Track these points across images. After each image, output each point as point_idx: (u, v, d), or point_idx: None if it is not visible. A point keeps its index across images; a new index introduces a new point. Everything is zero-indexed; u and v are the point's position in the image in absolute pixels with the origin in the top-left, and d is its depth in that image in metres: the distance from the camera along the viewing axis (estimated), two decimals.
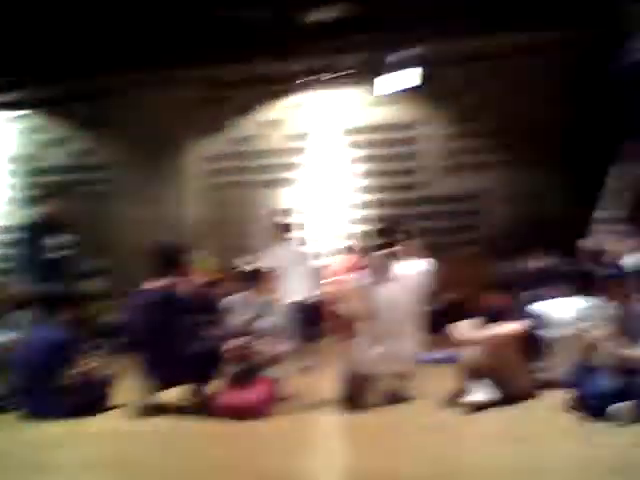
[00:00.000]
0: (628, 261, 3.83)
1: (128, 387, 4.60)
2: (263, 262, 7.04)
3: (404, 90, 8.41)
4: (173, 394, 4.58)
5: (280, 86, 9.13)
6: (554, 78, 8.45)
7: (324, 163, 9.15)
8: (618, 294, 3.89)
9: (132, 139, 9.03)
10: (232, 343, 4.49)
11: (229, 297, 4.89)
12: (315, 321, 7.00)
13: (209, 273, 4.98)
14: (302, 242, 7.70)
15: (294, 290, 6.78)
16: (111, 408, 4.62)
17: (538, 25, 7.47)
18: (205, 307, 5.08)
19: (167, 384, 4.52)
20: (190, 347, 4.59)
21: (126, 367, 4.68)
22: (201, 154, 9.31)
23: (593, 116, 7.61)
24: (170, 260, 4.74)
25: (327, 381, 4.82)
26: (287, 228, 7.25)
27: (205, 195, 9.29)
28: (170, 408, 4.51)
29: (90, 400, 4.50)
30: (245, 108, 9.24)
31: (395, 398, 4.48)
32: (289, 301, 6.80)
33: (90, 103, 9.10)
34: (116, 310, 7.91)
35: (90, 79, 8.48)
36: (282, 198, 9.21)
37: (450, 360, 5.02)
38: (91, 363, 4.64)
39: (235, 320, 4.65)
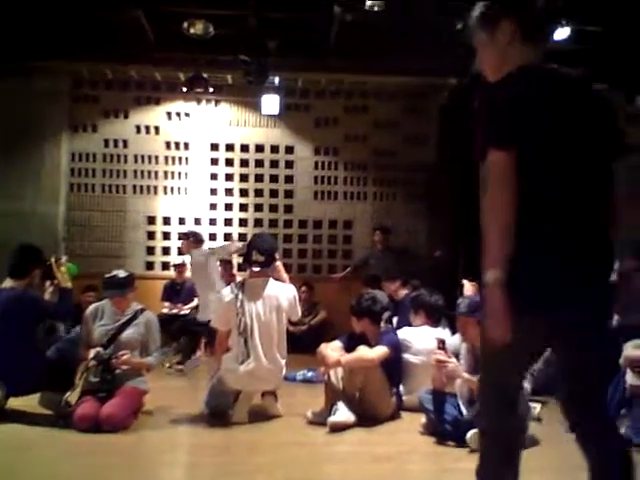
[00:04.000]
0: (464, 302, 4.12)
1: None
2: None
3: (284, 114, 8.62)
4: (30, 401, 4.30)
5: (157, 93, 9.00)
6: (422, 120, 9.08)
7: (202, 176, 9.07)
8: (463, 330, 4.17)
9: None
10: (92, 352, 4.29)
11: (95, 304, 4.69)
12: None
13: (71, 277, 4.74)
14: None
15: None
16: None
17: (407, 70, 8.00)
18: (63, 313, 4.84)
19: (18, 390, 4.24)
20: (43, 353, 4.37)
21: None
22: (69, 152, 8.87)
23: (457, 158, 8.20)
24: (27, 261, 4.51)
25: (196, 396, 4.74)
26: (203, 239, 7.24)
27: (71, 194, 8.85)
28: (25, 416, 4.24)
29: None
30: (119, 110, 8.96)
31: (261, 416, 4.48)
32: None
33: None
34: None
35: None
36: (156, 206, 8.99)
37: (318, 380, 5.14)
38: None
39: (99, 328, 4.44)
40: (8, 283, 4.42)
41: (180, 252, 8.08)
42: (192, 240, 6.97)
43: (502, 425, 2.16)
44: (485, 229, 2.00)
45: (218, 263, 8.45)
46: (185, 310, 7.63)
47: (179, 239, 8.35)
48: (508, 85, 2.12)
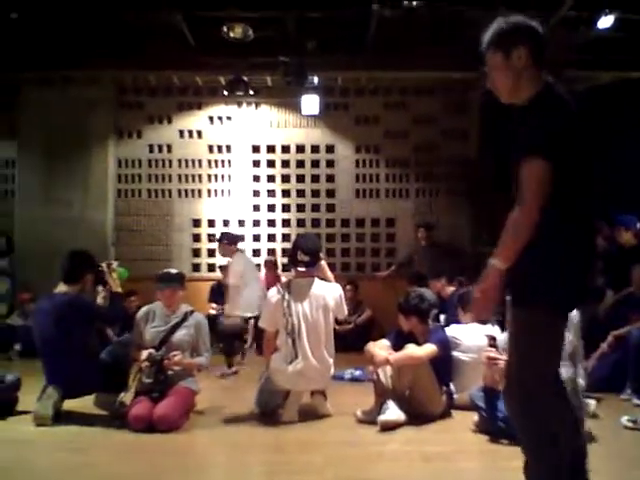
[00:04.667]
0: None
1: (37, 392, 4.36)
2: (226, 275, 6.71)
3: (324, 113, 8.63)
4: (85, 402, 4.41)
5: (199, 98, 9.12)
6: (462, 115, 8.99)
7: (245, 178, 9.15)
8: None
9: (39, 137, 8.61)
10: (145, 353, 4.36)
11: (146, 306, 4.76)
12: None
13: (121, 282, 4.85)
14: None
15: (248, 303, 6.45)
16: (19, 413, 4.43)
17: (446, 64, 7.93)
18: (115, 317, 4.95)
19: (73, 392, 4.36)
20: (97, 355, 4.47)
21: (35, 371, 4.51)
22: (115, 158, 9.04)
23: (495, 152, 8.11)
24: (80, 266, 4.62)
25: (246, 395, 4.78)
26: (238, 238, 7.05)
27: (118, 200, 9.03)
28: (80, 417, 4.35)
29: None
30: (163, 115, 9.09)
31: (311, 415, 4.50)
32: (242, 315, 6.46)
33: None
34: (20, 313, 7.58)
35: None
36: (201, 209, 9.10)
37: (366, 378, 5.13)
38: None
39: (150, 330, 4.52)
40: (62, 288, 4.53)
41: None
42: (226, 242, 6.79)
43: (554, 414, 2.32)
44: (513, 231, 2.24)
45: (263, 264, 8.54)
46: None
47: (209, 241, 8.68)
48: (544, 103, 2.35)
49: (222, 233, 7.27)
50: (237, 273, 6.56)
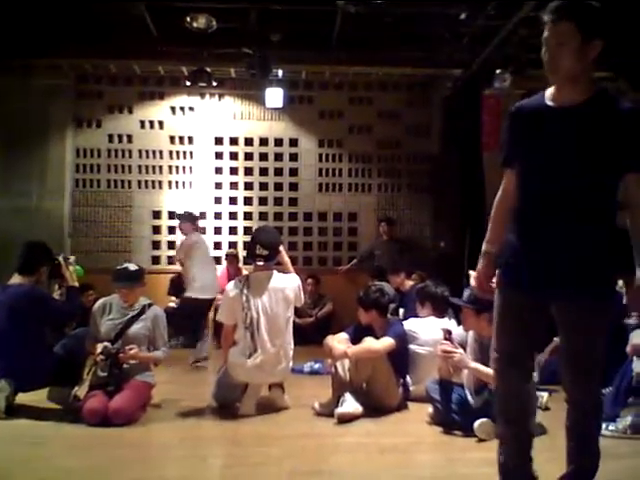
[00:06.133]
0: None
1: None
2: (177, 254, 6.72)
3: (288, 107, 8.62)
4: (38, 396, 4.33)
5: (161, 88, 9.03)
6: (426, 111, 9.07)
7: (207, 170, 9.08)
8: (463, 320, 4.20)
9: None
10: (100, 346, 4.30)
11: (102, 299, 4.69)
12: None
13: (76, 275, 4.75)
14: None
15: (207, 285, 6.55)
16: None
17: (411, 61, 8.01)
18: (71, 311, 4.84)
19: (26, 385, 4.27)
20: (51, 348, 4.39)
21: None
22: (74, 148, 8.88)
23: (461, 149, 8.21)
24: (36, 258, 4.53)
25: (203, 389, 4.75)
26: (198, 219, 7.07)
27: (76, 190, 8.86)
28: (34, 411, 4.26)
29: None
30: (123, 105, 8.96)
31: (269, 408, 4.50)
32: (199, 297, 6.49)
33: None
34: None
35: None
36: (161, 201, 9.00)
37: (324, 371, 5.16)
38: None
39: (106, 322, 4.46)
40: (16, 279, 4.44)
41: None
42: (187, 220, 6.91)
43: None
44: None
45: (224, 257, 8.53)
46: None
47: (170, 233, 8.65)
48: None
49: (185, 211, 7.30)
50: (184, 247, 6.72)
